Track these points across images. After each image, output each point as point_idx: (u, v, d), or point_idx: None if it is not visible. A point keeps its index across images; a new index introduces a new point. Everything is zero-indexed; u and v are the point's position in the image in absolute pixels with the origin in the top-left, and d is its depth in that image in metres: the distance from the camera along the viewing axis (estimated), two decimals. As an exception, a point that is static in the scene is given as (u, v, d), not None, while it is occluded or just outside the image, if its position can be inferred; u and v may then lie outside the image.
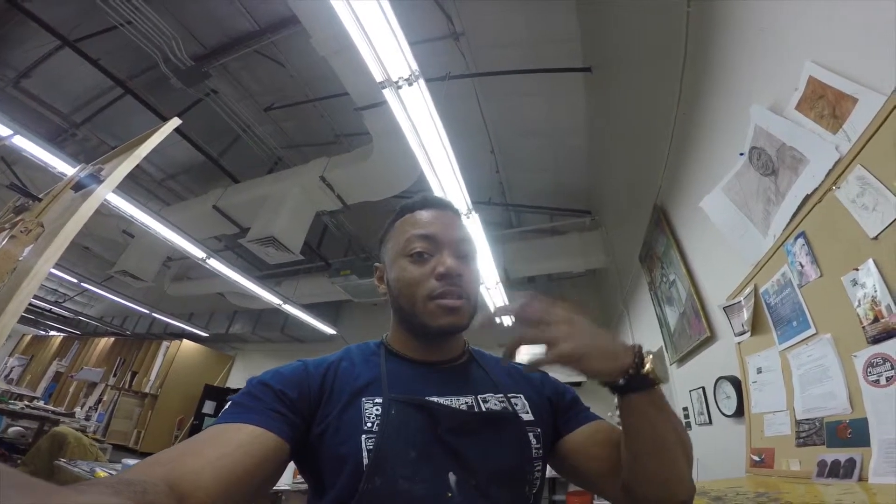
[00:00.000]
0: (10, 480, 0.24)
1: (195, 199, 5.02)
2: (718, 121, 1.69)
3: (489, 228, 3.53)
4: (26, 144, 2.74)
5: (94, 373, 7.15)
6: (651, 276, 2.78)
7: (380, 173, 3.76)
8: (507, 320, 0.63)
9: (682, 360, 2.36)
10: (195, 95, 3.99)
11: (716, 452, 1.96)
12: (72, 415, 4.86)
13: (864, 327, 0.91)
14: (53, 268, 1.51)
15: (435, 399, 0.64)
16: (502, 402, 0.68)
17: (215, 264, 4.50)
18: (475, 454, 0.59)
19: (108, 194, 1.74)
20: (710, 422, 2.00)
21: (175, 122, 1.90)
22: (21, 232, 1.70)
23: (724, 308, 1.62)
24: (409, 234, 0.70)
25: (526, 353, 0.60)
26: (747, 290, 1.45)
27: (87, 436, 3.35)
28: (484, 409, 0.65)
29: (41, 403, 4.96)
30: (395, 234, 0.74)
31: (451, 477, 0.55)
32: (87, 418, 6.28)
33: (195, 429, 6.23)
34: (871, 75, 0.93)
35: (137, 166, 1.82)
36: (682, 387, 2.42)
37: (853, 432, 0.94)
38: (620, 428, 0.61)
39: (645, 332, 3.25)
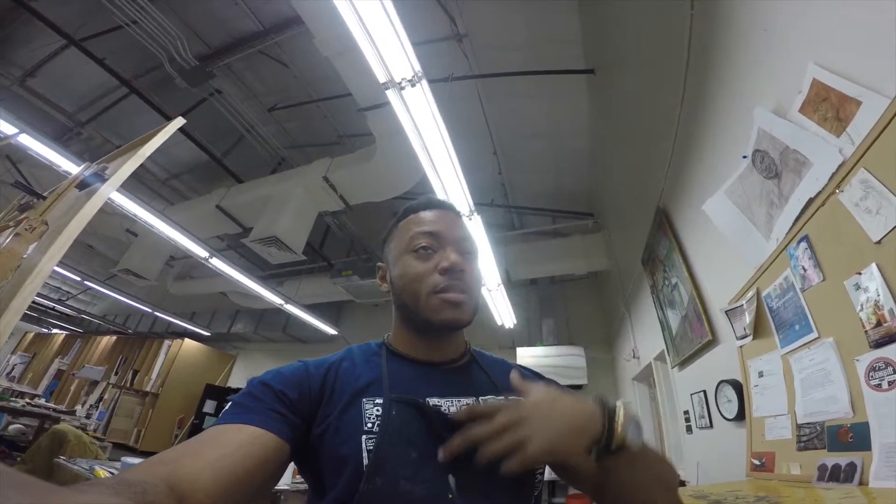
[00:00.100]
0: (9, 480, 0.24)
1: (199, 198, 5.04)
2: (721, 123, 1.68)
3: (491, 230, 3.53)
4: (31, 143, 2.76)
5: (96, 371, 7.16)
6: (653, 279, 2.78)
7: (382, 174, 3.76)
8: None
9: (683, 364, 2.35)
10: (199, 95, 4.02)
11: (716, 456, 1.96)
12: (72, 413, 4.88)
13: (866, 331, 0.91)
14: (57, 266, 1.52)
15: (436, 400, 0.64)
16: (500, 402, 0.67)
17: (218, 264, 4.51)
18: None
19: (112, 193, 1.75)
20: (711, 425, 1.99)
21: (179, 121, 1.91)
22: (25, 230, 1.71)
23: (726, 312, 1.61)
24: (414, 232, 0.72)
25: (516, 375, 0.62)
26: (749, 294, 1.44)
27: (87, 434, 3.36)
28: (468, 406, 0.65)
29: (42, 401, 4.97)
30: (399, 234, 0.75)
31: (451, 479, 0.55)
32: (88, 416, 6.30)
33: (196, 428, 6.24)
34: (875, 78, 0.92)
35: (141, 165, 1.83)
36: (683, 390, 2.42)
37: (854, 436, 0.94)
38: None
39: (647, 335, 3.25)
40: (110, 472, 2.15)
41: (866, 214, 0.92)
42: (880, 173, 0.88)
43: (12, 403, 4.00)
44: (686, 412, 2.37)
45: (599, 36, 3.04)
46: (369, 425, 0.57)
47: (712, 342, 1.92)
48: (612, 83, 3.08)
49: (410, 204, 0.78)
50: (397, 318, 0.75)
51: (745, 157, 1.43)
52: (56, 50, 3.80)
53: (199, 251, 4.26)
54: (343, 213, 4.80)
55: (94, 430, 5.76)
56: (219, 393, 6.72)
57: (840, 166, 1.01)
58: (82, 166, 2.16)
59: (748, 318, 1.44)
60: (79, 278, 5.85)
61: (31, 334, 9.46)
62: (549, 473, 0.72)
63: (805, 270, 1.13)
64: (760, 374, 1.38)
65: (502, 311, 4.59)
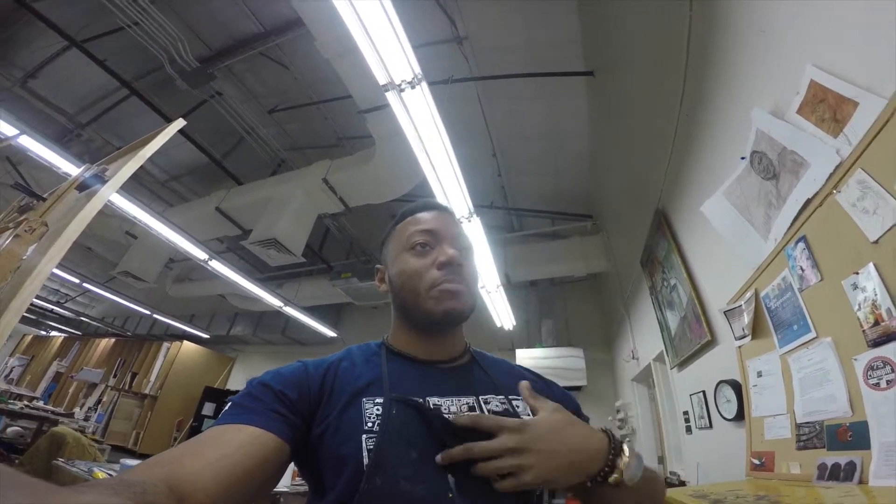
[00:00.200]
0: (9, 480, 0.24)
1: (198, 200, 5.03)
2: (720, 124, 1.69)
3: (491, 232, 3.54)
4: (32, 144, 2.76)
5: (94, 373, 7.15)
6: (652, 281, 2.79)
7: (382, 176, 3.77)
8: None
9: (682, 364, 2.35)
10: (200, 97, 4.02)
11: (716, 456, 1.96)
12: (71, 415, 4.86)
13: (864, 331, 0.92)
14: (56, 268, 1.52)
15: (436, 399, 0.64)
16: (504, 403, 0.68)
17: (217, 266, 4.51)
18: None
19: (111, 195, 1.75)
20: (711, 426, 1.99)
21: (179, 123, 1.91)
22: (25, 231, 1.71)
23: (724, 312, 1.62)
24: (411, 231, 0.74)
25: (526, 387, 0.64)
26: (748, 295, 1.45)
27: (85, 436, 3.35)
28: (486, 411, 0.65)
29: (41, 403, 4.96)
30: (397, 234, 0.77)
31: (451, 478, 0.55)
32: (87, 419, 6.28)
33: (195, 431, 6.21)
34: (872, 79, 0.93)
35: (141, 167, 1.83)
36: (682, 391, 2.42)
37: (853, 435, 0.94)
38: None
39: (646, 336, 3.25)
40: (109, 475, 2.15)
41: (863, 214, 0.92)
42: (877, 174, 0.89)
43: (10, 406, 3.99)
44: (685, 413, 2.37)
45: (599, 38, 3.05)
46: (369, 425, 0.57)
47: (711, 343, 1.93)
48: (612, 85, 3.09)
49: (407, 207, 0.80)
50: (396, 318, 0.76)
51: (743, 158, 1.44)
52: (57, 51, 3.80)
53: (199, 253, 4.25)
54: (342, 215, 4.80)
55: (93, 433, 5.74)
56: (218, 395, 6.70)
57: (837, 167, 1.02)
58: (82, 168, 2.16)
59: (746, 318, 1.45)
60: (77, 280, 5.84)
61: (30, 336, 9.44)
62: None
63: (803, 270, 1.14)
64: (759, 374, 1.38)
65: (502, 312, 4.59)
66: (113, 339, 8.26)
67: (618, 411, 4.23)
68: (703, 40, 1.74)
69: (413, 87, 2.00)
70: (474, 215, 3.00)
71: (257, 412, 0.55)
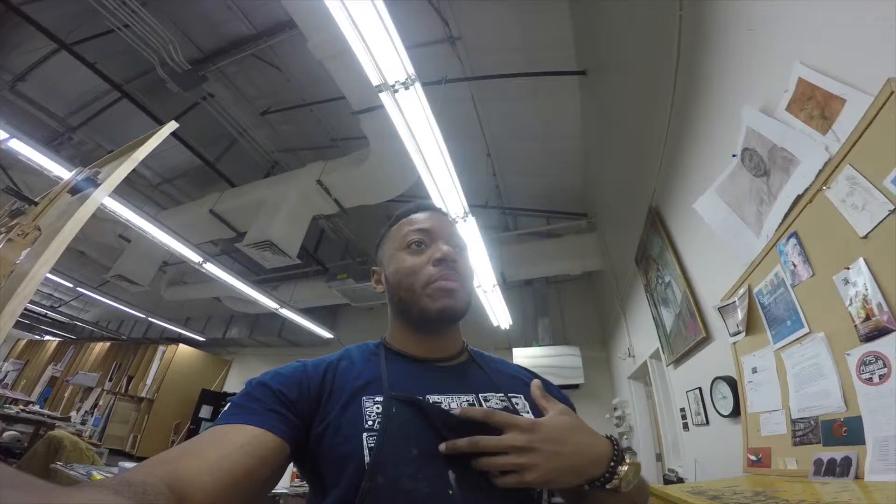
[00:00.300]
0: (10, 481, 0.24)
1: (192, 203, 5.00)
2: (711, 122, 1.70)
3: (486, 232, 3.54)
4: (22, 148, 2.74)
5: (89, 377, 7.10)
6: (647, 278, 2.80)
7: (377, 177, 3.76)
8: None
9: (678, 361, 2.37)
10: (192, 99, 4.00)
11: (714, 452, 1.97)
12: (67, 419, 4.83)
13: (856, 326, 0.92)
14: (50, 272, 1.51)
15: (436, 397, 0.64)
16: (503, 401, 0.68)
17: (212, 269, 4.49)
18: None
19: (104, 198, 1.74)
20: (707, 422, 2.01)
21: (172, 125, 1.90)
22: (18, 235, 1.69)
23: (718, 309, 1.63)
24: (406, 230, 0.76)
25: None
26: (741, 291, 1.46)
27: (83, 440, 3.33)
28: (486, 408, 0.66)
29: (37, 408, 4.93)
30: (392, 235, 0.79)
31: (451, 474, 0.55)
32: (83, 422, 6.24)
33: (192, 434, 6.19)
34: (858, 76, 0.94)
35: (134, 170, 1.82)
36: (678, 388, 2.43)
37: (848, 430, 0.95)
38: None
39: (641, 333, 3.26)
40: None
41: (853, 210, 0.93)
42: (865, 169, 0.90)
43: (6, 410, 3.96)
44: (682, 409, 2.38)
45: (590, 37, 3.06)
46: (370, 423, 0.57)
47: (706, 339, 1.94)
48: (604, 84, 3.10)
49: (401, 209, 0.82)
50: (394, 317, 0.76)
51: (734, 155, 1.45)
52: (47, 54, 3.77)
53: (193, 256, 4.23)
54: (337, 216, 4.80)
55: (90, 437, 5.71)
56: (215, 398, 6.68)
57: (826, 163, 1.02)
58: (74, 171, 2.14)
59: (740, 314, 1.46)
60: (71, 284, 5.81)
61: (24, 341, 9.35)
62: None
63: (795, 266, 1.15)
64: (754, 370, 1.39)
65: (498, 312, 4.59)
66: (108, 343, 8.20)
67: (615, 409, 4.25)
68: (693, 39, 1.75)
69: (406, 88, 2.00)
70: (469, 215, 3.00)
71: (257, 412, 0.55)
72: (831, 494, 0.85)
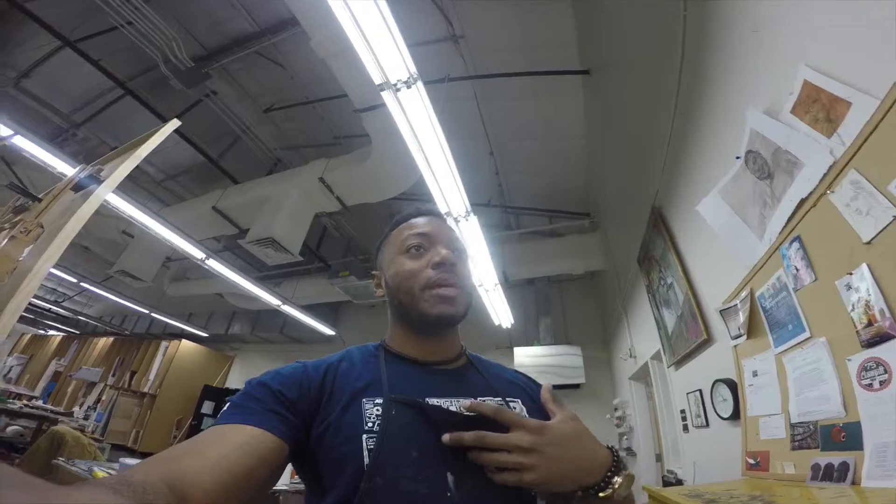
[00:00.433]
0: (10, 480, 0.24)
1: (195, 199, 5.02)
2: (715, 123, 1.69)
3: (488, 230, 3.54)
4: (26, 145, 2.75)
5: (93, 372, 7.14)
6: (649, 279, 2.79)
7: (379, 175, 3.76)
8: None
9: (679, 363, 2.36)
10: (195, 96, 4.00)
11: (713, 455, 1.97)
12: (70, 414, 4.87)
13: (857, 331, 0.92)
14: (53, 267, 1.52)
15: (435, 400, 0.65)
16: (500, 405, 0.68)
17: (214, 265, 4.50)
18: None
19: (107, 195, 1.74)
20: (707, 424, 2.00)
21: (174, 123, 1.91)
22: (21, 232, 1.70)
23: (720, 311, 1.62)
24: (406, 235, 0.76)
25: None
26: (743, 294, 1.45)
27: (85, 435, 3.35)
28: (496, 405, 0.66)
29: (40, 402, 4.96)
30: (392, 240, 0.79)
31: (450, 477, 0.56)
32: (86, 418, 6.29)
33: (194, 429, 6.22)
34: (865, 79, 0.93)
35: (137, 167, 1.82)
36: (679, 389, 2.43)
37: (847, 436, 0.94)
38: None
39: (643, 334, 3.26)
40: (109, 473, 2.15)
41: (857, 215, 0.92)
42: (870, 174, 0.89)
43: (9, 405, 3.98)
44: (682, 411, 2.38)
45: (594, 37, 3.04)
46: (370, 425, 0.58)
47: (707, 341, 1.93)
48: (607, 83, 3.08)
49: (401, 214, 0.82)
50: (393, 320, 0.77)
51: (738, 157, 1.44)
52: (50, 51, 3.78)
53: (196, 252, 4.25)
54: (340, 214, 4.80)
55: (93, 432, 5.74)
56: (217, 394, 6.70)
57: (831, 167, 1.01)
58: (77, 168, 2.15)
59: (742, 317, 1.45)
60: (75, 280, 5.83)
61: (28, 336, 9.41)
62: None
63: (797, 270, 1.14)
64: (755, 374, 1.39)
65: (500, 311, 4.59)
66: (111, 338, 8.25)
67: (615, 409, 4.25)
68: (697, 40, 1.73)
69: (408, 87, 2.00)
70: (471, 214, 2.99)
71: (256, 412, 0.55)
72: (828, 500, 0.84)
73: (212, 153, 4.55)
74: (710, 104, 1.72)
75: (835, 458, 0.95)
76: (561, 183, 4.80)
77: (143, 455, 5.63)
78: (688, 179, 2.01)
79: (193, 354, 7.42)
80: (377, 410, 0.60)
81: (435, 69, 3.12)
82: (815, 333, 1.08)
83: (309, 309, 5.94)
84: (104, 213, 3.88)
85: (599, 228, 4.72)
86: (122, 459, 2.69)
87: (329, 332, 6.40)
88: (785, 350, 1.21)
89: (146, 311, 6.85)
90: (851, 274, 0.94)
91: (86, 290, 6.42)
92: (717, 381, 1.78)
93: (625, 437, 3.98)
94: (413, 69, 1.92)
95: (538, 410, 0.72)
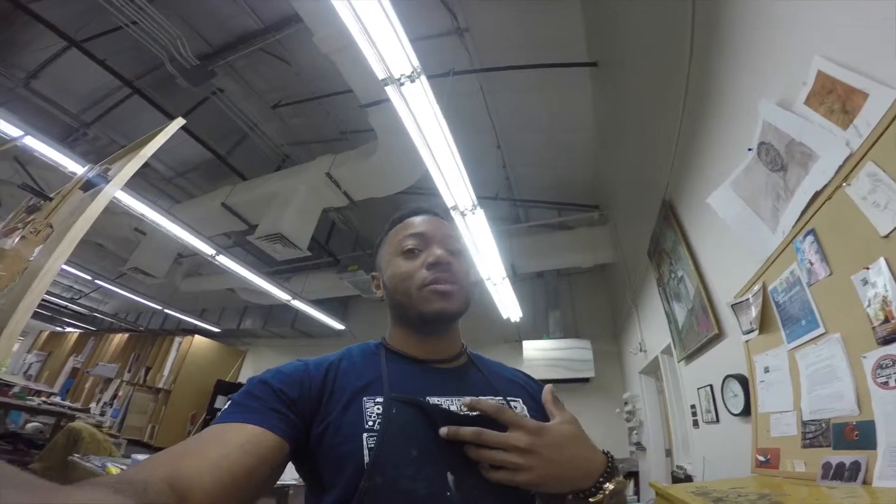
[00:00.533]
0: (10, 480, 0.24)
1: (204, 196, 5.06)
2: (726, 115, 1.65)
3: (496, 224, 3.52)
4: (37, 145, 2.78)
5: (109, 368, 7.28)
6: (659, 272, 2.75)
7: (385, 170, 3.76)
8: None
9: (690, 358, 2.33)
10: (202, 94, 4.02)
11: (723, 451, 1.95)
12: (87, 410, 4.96)
13: (873, 328, 0.89)
14: (68, 265, 1.55)
15: (435, 399, 0.65)
16: (501, 404, 0.68)
17: (224, 261, 4.55)
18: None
19: (115, 193, 1.76)
20: (718, 420, 1.98)
21: (179, 122, 1.92)
22: (31, 233, 1.73)
23: (732, 305, 1.59)
24: (402, 236, 0.76)
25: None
26: (756, 288, 1.42)
27: (101, 431, 3.42)
28: (496, 403, 0.66)
29: (58, 399, 5.07)
30: (389, 240, 0.79)
31: (450, 476, 0.56)
32: (103, 413, 6.41)
33: (207, 424, 6.25)
34: (882, 70, 0.89)
35: (147, 165, 1.84)
36: (689, 384, 2.41)
37: (860, 434, 0.92)
38: None
39: (653, 328, 3.23)
40: (122, 469, 2.19)
41: (874, 208, 0.89)
42: (888, 166, 0.86)
43: (28, 402, 4.07)
44: (693, 406, 2.35)
45: (602, 28, 2.99)
46: (370, 424, 0.58)
47: (718, 336, 1.91)
48: (616, 75, 3.03)
49: (398, 213, 0.82)
50: (393, 319, 0.78)
51: (750, 149, 1.40)
52: (57, 52, 3.80)
53: (206, 249, 4.29)
54: (348, 208, 4.81)
55: (109, 427, 5.86)
56: (229, 389, 6.78)
57: (847, 159, 0.98)
58: (86, 168, 2.18)
59: (754, 312, 1.42)
60: (90, 277, 5.93)
61: (46, 333, 9.60)
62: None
63: (812, 264, 1.11)
64: (766, 370, 1.36)
65: (508, 304, 4.58)
66: (126, 335, 8.39)
67: (625, 403, 4.22)
68: (708, 30, 1.69)
69: (412, 81, 1.98)
70: (478, 207, 2.98)
71: (257, 411, 0.55)
72: (838, 500, 0.83)
73: (220, 150, 4.58)
74: (720, 95, 1.68)
75: (846, 456, 0.93)
76: (568, 175, 4.75)
77: (159, 450, 5.71)
78: (699, 172, 1.97)
79: (206, 350, 7.52)
80: (378, 409, 0.60)
81: (440, 63, 3.09)
82: (829, 329, 1.06)
83: (319, 303, 5.99)
84: (116, 211, 3.93)
85: (609, 221, 4.67)
86: (134, 456, 2.74)
87: (339, 326, 6.45)
88: (798, 346, 1.18)
89: (160, 308, 6.96)
90: (868, 268, 0.91)
91: (101, 287, 6.53)
92: (728, 376, 1.76)
93: (634, 431, 3.96)
94: (416, 63, 1.91)
95: (538, 409, 0.71)
